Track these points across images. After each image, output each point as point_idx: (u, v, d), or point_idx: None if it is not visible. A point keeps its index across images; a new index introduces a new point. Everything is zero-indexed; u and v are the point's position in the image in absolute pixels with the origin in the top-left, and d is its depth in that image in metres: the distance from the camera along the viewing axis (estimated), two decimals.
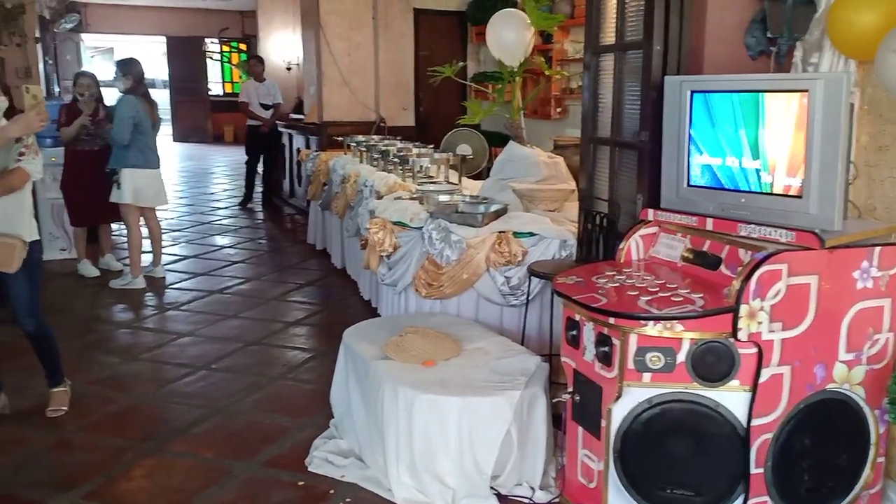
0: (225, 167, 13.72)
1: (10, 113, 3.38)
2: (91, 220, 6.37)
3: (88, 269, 6.29)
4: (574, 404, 2.70)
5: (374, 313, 5.01)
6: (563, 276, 2.78)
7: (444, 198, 4.23)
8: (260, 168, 9.91)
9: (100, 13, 16.17)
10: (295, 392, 4.07)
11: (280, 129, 9.79)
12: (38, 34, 9.53)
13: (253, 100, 9.63)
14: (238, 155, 10.30)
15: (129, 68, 5.87)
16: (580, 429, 2.68)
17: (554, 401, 2.96)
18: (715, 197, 2.70)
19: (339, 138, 7.25)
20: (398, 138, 6.89)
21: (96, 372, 4.31)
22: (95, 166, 6.00)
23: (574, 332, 2.67)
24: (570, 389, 2.71)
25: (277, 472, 3.18)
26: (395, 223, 4.19)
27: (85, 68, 10.91)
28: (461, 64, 5.29)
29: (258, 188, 9.93)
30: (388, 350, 3.19)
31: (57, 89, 11.32)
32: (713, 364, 2.38)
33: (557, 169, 4.49)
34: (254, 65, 10.11)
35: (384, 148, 6.05)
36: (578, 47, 6.89)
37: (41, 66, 9.87)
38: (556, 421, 3.05)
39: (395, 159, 5.70)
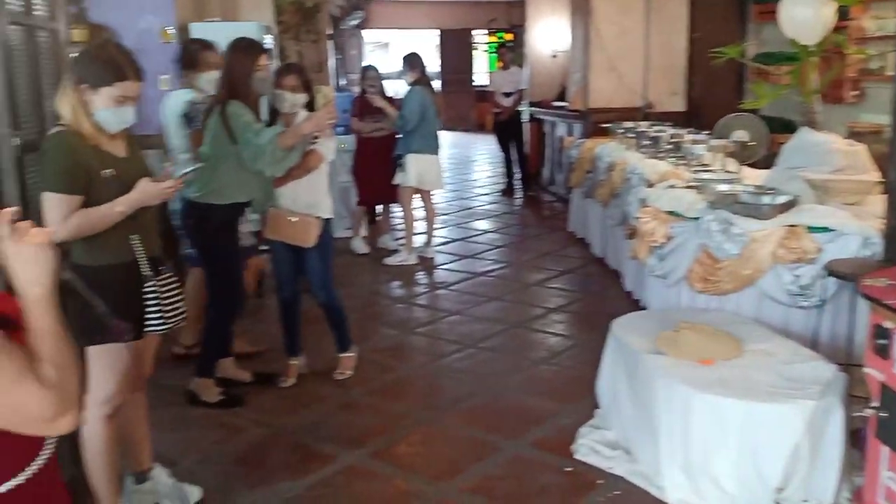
0: (486, 154, 14.17)
1: (310, 107, 3.74)
2: (375, 201, 6.95)
3: (359, 246, 6.83)
4: (879, 421, 2.41)
5: (636, 305, 4.90)
6: (872, 278, 2.49)
7: (723, 187, 3.99)
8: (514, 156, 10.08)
9: (380, 9, 17.41)
10: (558, 377, 4.11)
11: (540, 116, 9.88)
12: (329, 31, 10.47)
13: (498, 88, 9.84)
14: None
15: (413, 62, 6.31)
16: (885, 449, 2.39)
17: (852, 415, 2.67)
18: None
19: (606, 125, 7.13)
20: (668, 124, 6.62)
21: (378, 342, 4.67)
22: (381, 152, 6.52)
23: (883, 341, 2.38)
24: (874, 404, 2.43)
25: (544, 455, 3.23)
26: (668, 213, 4.03)
27: (366, 62, 11.84)
28: (746, 44, 4.94)
29: (517, 175, 10.09)
30: (662, 344, 3.09)
31: (343, 82, 12.37)
32: None
33: (857, 158, 4.03)
34: (502, 54, 10.26)
35: (655, 134, 5.85)
36: (881, 24, 6.13)
37: (332, 61, 10.86)
38: (853, 437, 2.75)
39: (668, 146, 5.48)
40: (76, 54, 2.57)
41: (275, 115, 3.77)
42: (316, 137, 3.70)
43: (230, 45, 3.59)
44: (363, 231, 7.01)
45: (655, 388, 2.88)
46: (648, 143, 5.82)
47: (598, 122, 7.67)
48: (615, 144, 6.48)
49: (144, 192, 2.46)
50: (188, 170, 2.70)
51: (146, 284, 2.54)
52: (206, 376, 3.76)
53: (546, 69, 10.61)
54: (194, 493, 2.90)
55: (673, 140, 5.51)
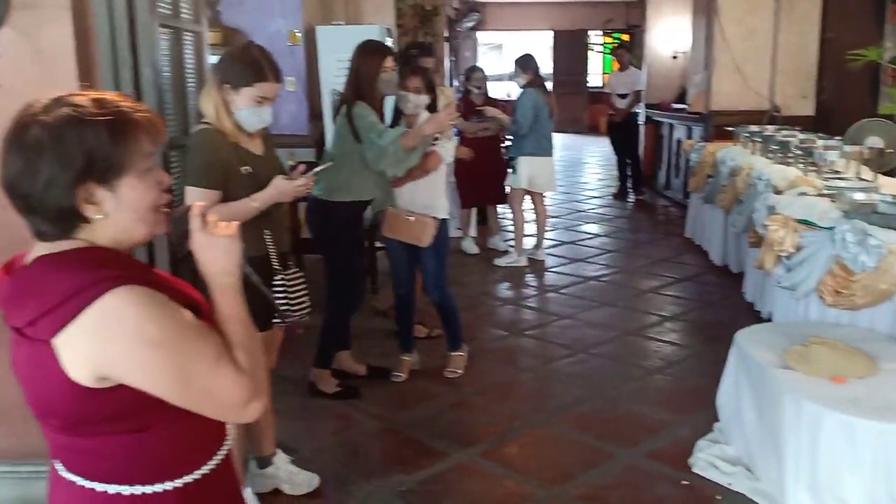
0: (599, 157, 13.96)
1: (432, 108, 3.79)
2: (477, 202, 6.96)
3: (469, 247, 6.86)
4: None
5: (757, 316, 4.70)
6: None
7: (859, 196, 3.78)
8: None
9: (495, 11, 17.45)
10: (673, 387, 4.00)
11: (658, 118, 9.64)
12: (445, 33, 10.58)
13: (613, 90, 9.71)
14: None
15: (526, 64, 6.27)
16: None
17: None
18: None
19: (729, 128, 6.87)
20: (796, 129, 6.32)
21: (487, 342, 4.69)
22: (485, 153, 6.49)
23: None
24: None
25: (659, 466, 3.16)
26: (798, 221, 3.85)
27: (479, 64, 11.90)
28: (888, 45, 4.66)
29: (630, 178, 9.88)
30: (790, 359, 2.95)
31: (457, 84, 12.47)
32: None
33: None
34: (619, 55, 10.07)
35: (783, 139, 5.60)
36: None
37: (447, 63, 10.97)
38: None
39: (798, 151, 5.24)
40: (220, 56, 2.71)
41: (398, 116, 3.85)
42: (436, 139, 3.76)
43: (358, 47, 3.69)
44: (472, 231, 7.05)
45: (783, 405, 2.75)
46: (776, 147, 5.58)
47: (720, 126, 7.40)
48: (739, 149, 6.25)
49: (279, 188, 2.57)
50: (318, 168, 2.79)
51: (275, 278, 2.65)
52: (324, 367, 3.88)
53: (665, 70, 10.36)
54: (313, 480, 3.00)
55: (803, 145, 5.25)
